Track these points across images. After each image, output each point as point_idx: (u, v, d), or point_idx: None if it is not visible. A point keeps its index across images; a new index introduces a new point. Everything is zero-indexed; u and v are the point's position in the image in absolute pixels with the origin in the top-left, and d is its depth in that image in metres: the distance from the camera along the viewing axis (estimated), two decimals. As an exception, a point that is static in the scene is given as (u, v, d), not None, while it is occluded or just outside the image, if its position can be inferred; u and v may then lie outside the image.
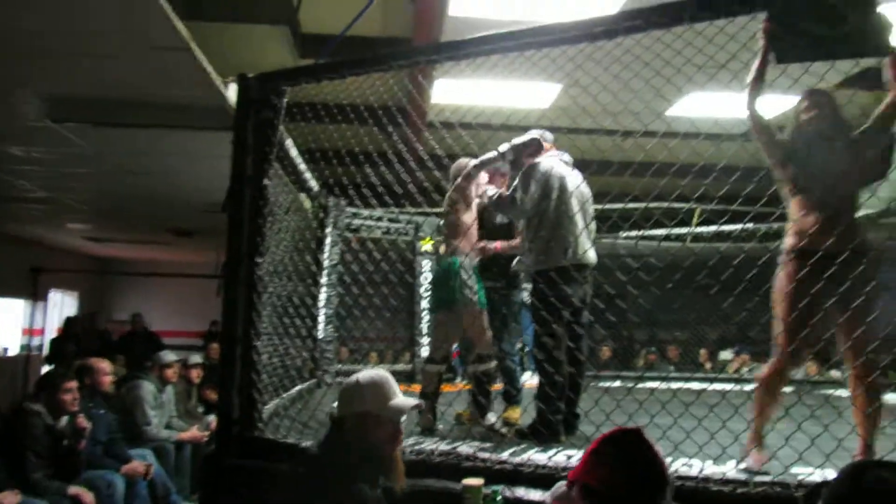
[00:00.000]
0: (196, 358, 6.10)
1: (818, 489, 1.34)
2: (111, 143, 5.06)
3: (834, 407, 2.59)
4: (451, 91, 5.94)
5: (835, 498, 1.24)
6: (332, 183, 4.67)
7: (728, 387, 4.27)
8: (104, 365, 4.40)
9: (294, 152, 3.95)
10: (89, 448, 3.92)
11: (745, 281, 2.74)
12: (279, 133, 3.07)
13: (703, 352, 8.01)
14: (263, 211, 3.01)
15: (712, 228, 6.70)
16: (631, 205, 3.30)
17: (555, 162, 3.53)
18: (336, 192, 5.40)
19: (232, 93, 3.63)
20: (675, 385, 3.48)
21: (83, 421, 3.76)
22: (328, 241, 6.11)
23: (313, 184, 5.22)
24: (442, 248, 4.30)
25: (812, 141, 2.69)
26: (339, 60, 2.95)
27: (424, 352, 6.80)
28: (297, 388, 4.84)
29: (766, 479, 2.29)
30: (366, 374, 1.96)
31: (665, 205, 3.17)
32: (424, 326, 6.86)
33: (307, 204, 5.51)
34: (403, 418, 1.95)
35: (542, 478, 2.37)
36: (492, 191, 3.68)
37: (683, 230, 6.96)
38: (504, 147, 3.52)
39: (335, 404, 2.03)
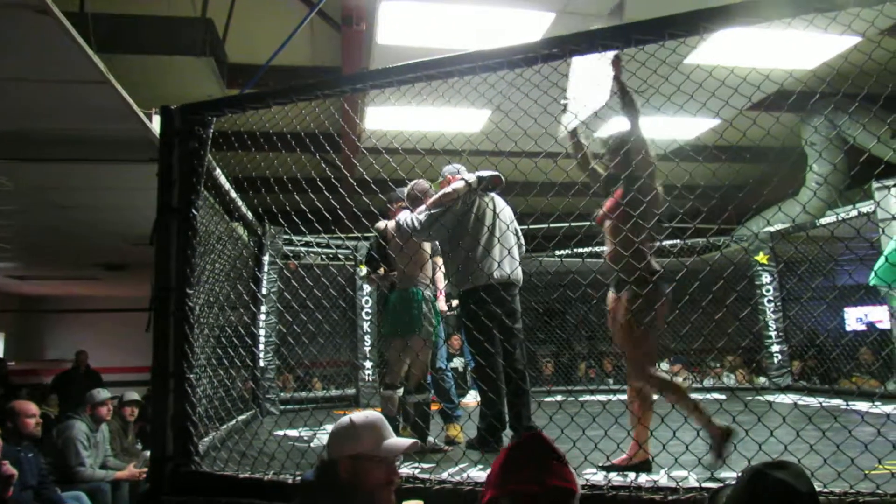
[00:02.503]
0: (132, 395, 5.92)
1: (716, 494, 1.41)
2: (33, 179, 4.91)
3: (753, 412, 2.73)
4: (384, 117, 6.04)
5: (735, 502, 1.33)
6: (268, 210, 4.65)
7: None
8: (27, 407, 4.23)
9: (224, 181, 3.94)
10: (17, 494, 3.76)
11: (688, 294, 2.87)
12: (206, 163, 3.06)
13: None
14: (192, 242, 2.99)
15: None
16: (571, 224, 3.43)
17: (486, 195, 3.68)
18: (274, 219, 5.39)
19: (156, 124, 3.60)
20: (614, 397, 3.57)
21: (8, 468, 3.61)
22: (265, 268, 6.08)
23: (247, 212, 5.20)
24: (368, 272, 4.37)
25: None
26: (263, 90, 2.98)
27: (368, 375, 6.80)
28: (238, 418, 4.77)
29: (694, 484, 2.40)
30: (359, 414, 1.89)
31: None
32: (367, 350, 6.86)
33: (242, 232, 5.47)
34: (399, 460, 1.89)
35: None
36: (405, 215, 3.73)
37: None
38: (472, 177, 3.62)
39: (325, 446, 1.92)
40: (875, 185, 4.80)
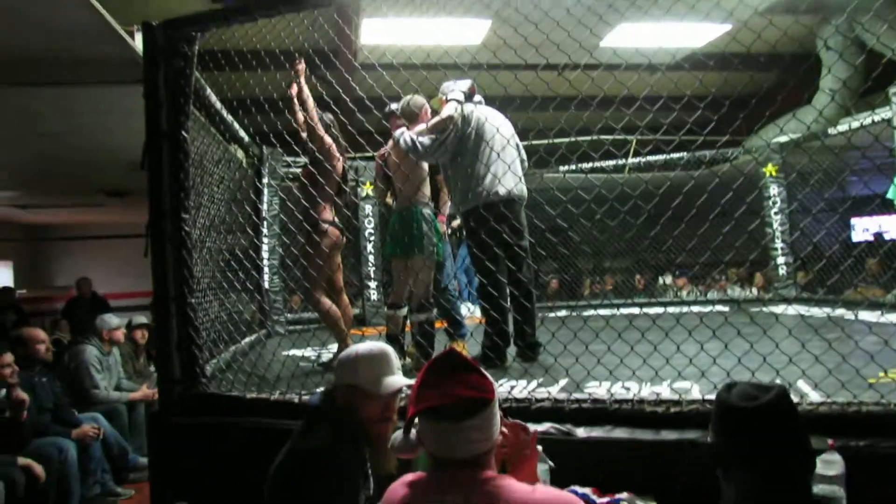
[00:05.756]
0: (141, 319, 6.00)
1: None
2: (21, 105, 4.78)
3: (757, 324, 2.70)
4: (381, 31, 5.79)
5: (715, 410, 1.38)
6: (260, 132, 4.53)
7: (672, 310, 4.46)
8: (37, 333, 4.29)
9: (214, 100, 3.80)
10: (34, 417, 3.86)
11: (695, 207, 2.79)
12: (194, 82, 2.94)
13: (638, 278, 8.26)
14: (185, 164, 2.91)
15: (660, 157, 6.85)
16: (577, 138, 3.32)
17: (471, 105, 3.55)
18: (267, 141, 5.27)
19: (139, 43, 3.44)
20: (624, 311, 3.56)
21: (20, 393, 3.68)
22: (266, 190, 6.01)
23: (243, 134, 5.08)
24: (380, 194, 4.32)
25: None
26: (248, 2, 2.81)
27: (373, 294, 6.85)
28: (247, 339, 4.83)
29: (697, 397, 2.41)
30: (365, 346, 1.85)
31: (610, 137, 3.18)
32: (371, 270, 6.88)
33: (240, 155, 5.36)
34: (400, 398, 1.85)
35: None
36: (405, 134, 3.60)
37: (628, 160, 7.06)
38: (459, 95, 3.49)
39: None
40: (892, 90, 4.60)
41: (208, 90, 3.63)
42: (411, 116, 3.72)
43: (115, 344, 5.24)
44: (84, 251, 13.23)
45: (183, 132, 2.87)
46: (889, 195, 3.46)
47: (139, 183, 3.04)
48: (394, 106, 3.82)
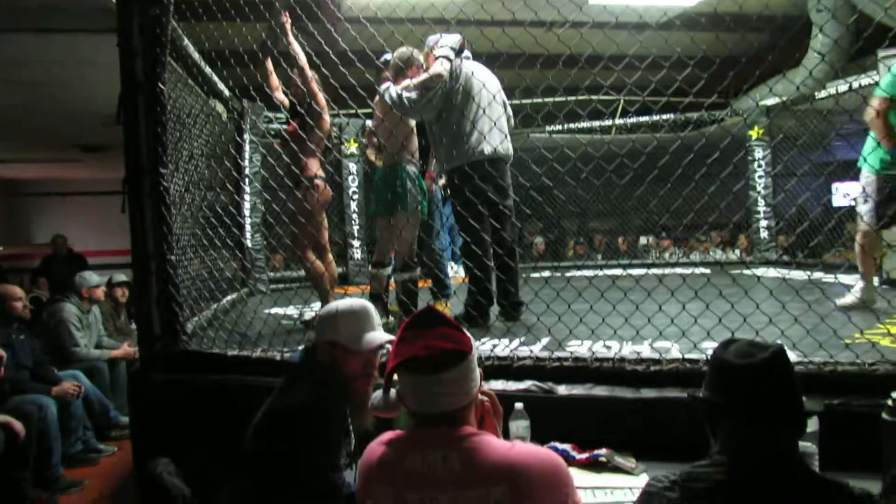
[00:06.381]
0: (121, 277, 5.94)
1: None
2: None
3: (739, 286, 2.72)
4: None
5: (710, 366, 1.39)
6: (240, 85, 4.41)
7: (655, 271, 4.47)
8: (13, 290, 4.22)
9: (192, 51, 3.68)
10: (12, 374, 3.82)
11: (681, 168, 2.77)
12: (170, 32, 2.84)
13: (621, 239, 8.30)
14: (162, 118, 2.83)
15: (645, 118, 6.80)
16: (565, 97, 3.27)
17: (458, 60, 3.47)
18: (247, 95, 5.14)
19: (112, -11, 3.30)
20: (608, 272, 3.56)
21: (-3, 350, 3.64)
22: (247, 146, 5.90)
23: (224, 88, 4.95)
24: (370, 152, 4.25)
25: None
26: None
27: (357, 253, 6.81)
28: (228, 297, 4.79)
29: (677, 356, 2.43)
30: (345, 302, 1.84)
31: (595, 97, 3.13)
32: (355, 229, 6.83)
33: (220, 108, 5.24)
34: (382, 353, 1.84)
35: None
36: (390, 89, 3.50)
37: (615, 121, 7.01)
38: (448, 51, 3.40)
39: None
40: (881, 53, 4.56)
41: (186, 41, 3.51)
42: (399, 70, 3.61)
43: (94, 302, 5.18)
44: (63, 207, 13.00)
45: (160, 84, 2.78)
46: (860, 163, 3.42)
47: (117, 138, 2.95)
48: (387, 57, 3.72)
